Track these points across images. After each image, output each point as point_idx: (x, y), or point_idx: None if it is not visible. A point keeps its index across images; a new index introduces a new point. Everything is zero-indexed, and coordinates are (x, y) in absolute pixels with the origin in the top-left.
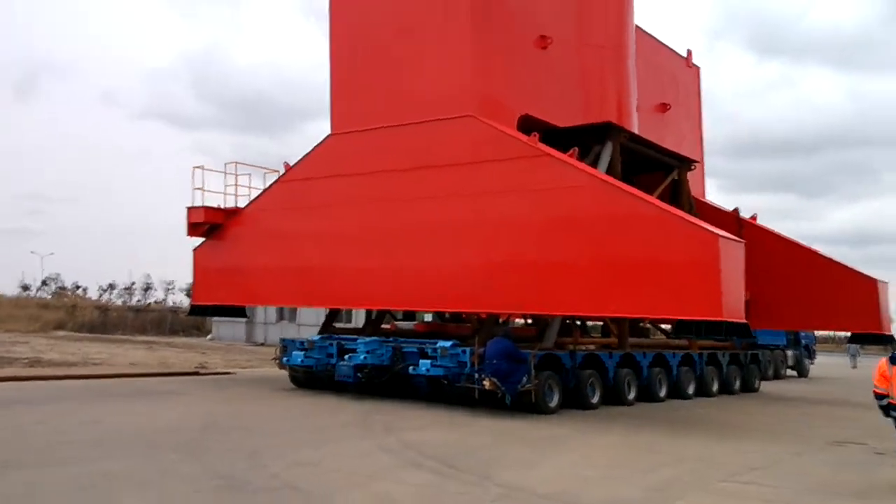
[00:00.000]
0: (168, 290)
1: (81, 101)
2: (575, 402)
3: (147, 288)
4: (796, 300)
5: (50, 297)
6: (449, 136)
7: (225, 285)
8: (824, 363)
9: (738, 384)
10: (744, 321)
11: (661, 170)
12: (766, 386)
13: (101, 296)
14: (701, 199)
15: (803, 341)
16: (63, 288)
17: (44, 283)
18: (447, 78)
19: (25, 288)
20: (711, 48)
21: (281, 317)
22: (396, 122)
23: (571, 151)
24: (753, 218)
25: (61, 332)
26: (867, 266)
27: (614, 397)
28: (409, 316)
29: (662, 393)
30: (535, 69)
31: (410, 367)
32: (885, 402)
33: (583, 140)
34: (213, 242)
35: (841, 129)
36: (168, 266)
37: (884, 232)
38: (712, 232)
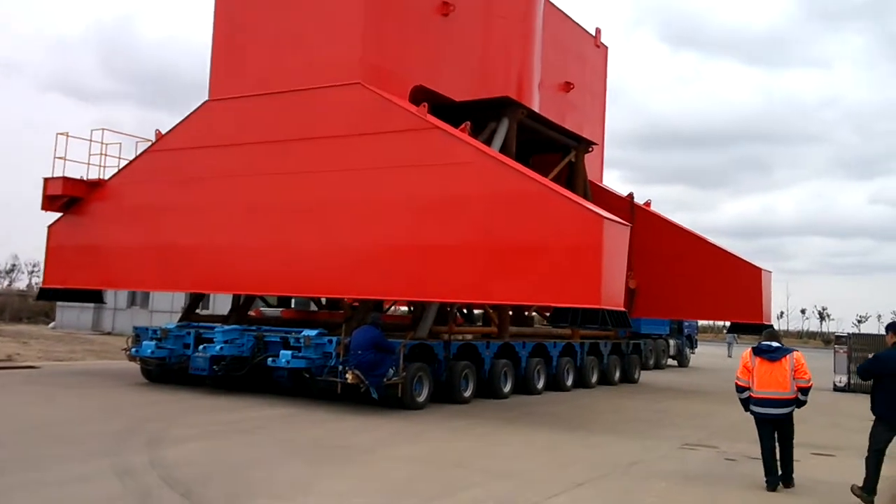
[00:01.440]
0: (32, 272)
1: None
2: (447, 395)
3: (10, 270)
4: (682, 288)
5: None
6: (332, 105)
7: (80, 266)
8: (704, 352)
9: (618, 375)
10: (622, 309)
11: (559, 151)
12: (646, 376)
13: None
14: (598, 183)
15: (686, 330)
16: None
17: None
18: (335, 42)
19: None
20: (627, 38)
21: (132, 302)
22: (278, 89)
23: (463, 126)
24: (647, 204)
25: None
26: (755, 258)
27: (490, 390)
28: (285, 303)
29: (540, 385)
30: (433, 38)
31: (270, 359)
32: (745, 395)
33: (480, 115)
34: (70, 218)
35: (745, 124)
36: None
37: (772, 225)
38: (597, 213)
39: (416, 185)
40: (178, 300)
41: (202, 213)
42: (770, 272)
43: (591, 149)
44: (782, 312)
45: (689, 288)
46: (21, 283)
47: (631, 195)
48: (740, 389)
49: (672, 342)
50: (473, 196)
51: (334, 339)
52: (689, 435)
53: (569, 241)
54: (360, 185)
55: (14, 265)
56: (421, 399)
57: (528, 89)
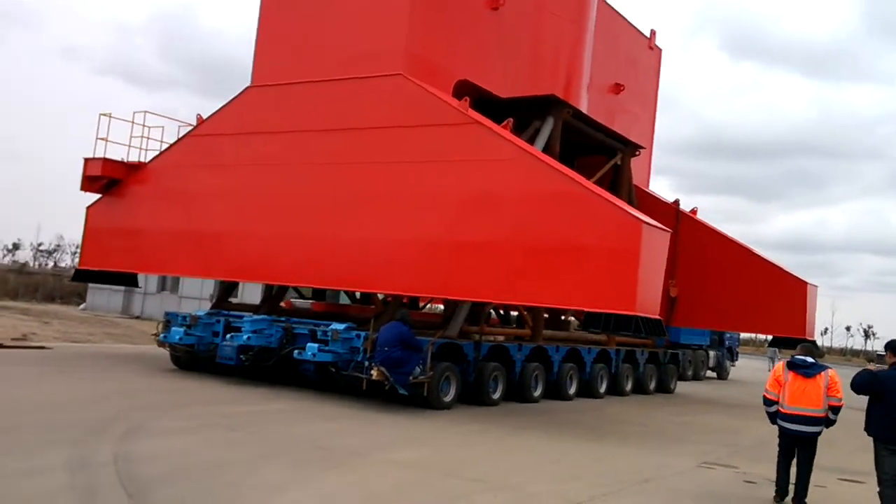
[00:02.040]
0: (75, 253)
1: (42, 54)
2: (475, 397)
3: (54, 251)
4: (725, 299)
5: None
6: (374, 95)
7: (117, 249)
8: (745, 366)
9: (653, 384)
10: (657, 317)
11: (605, 153)
12: (682, 387)
13: (3, 256)
14: (643, 188)
15: (727, 342)
16: None
17: None
18: (380, 32)
19: None
20: (687, 44)
21: (162, 287)
22: (321, 78)
23: (506, 122)
24: (693, 211)
25: None
26: (803, 272)
27: (520, 393)
28: (319, 295)
29: (572, 391)
30: (481, 32)
31: (296, 352)
32: (773, 408)
33: (525, 113)
34: (109, 199)
35: (801, 137)
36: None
37: (823, 240)
38: (636, 217)
39: (454, 181)
40: (208, 287)
41: (238, 200)
42: (816, 287)
43: (637, 152)
44: (826, 329)
45: (732, 299)
46: (65, 264)
47: (677, 202)
48: (768, 402)
49: (712, 354)
50: (511, 194)
51: (362, 334)
52: (711, 452)
53: (606, 244)
54: (397, 178)
55: (59, 245)
56: (448, 399)
57: (576, 89)
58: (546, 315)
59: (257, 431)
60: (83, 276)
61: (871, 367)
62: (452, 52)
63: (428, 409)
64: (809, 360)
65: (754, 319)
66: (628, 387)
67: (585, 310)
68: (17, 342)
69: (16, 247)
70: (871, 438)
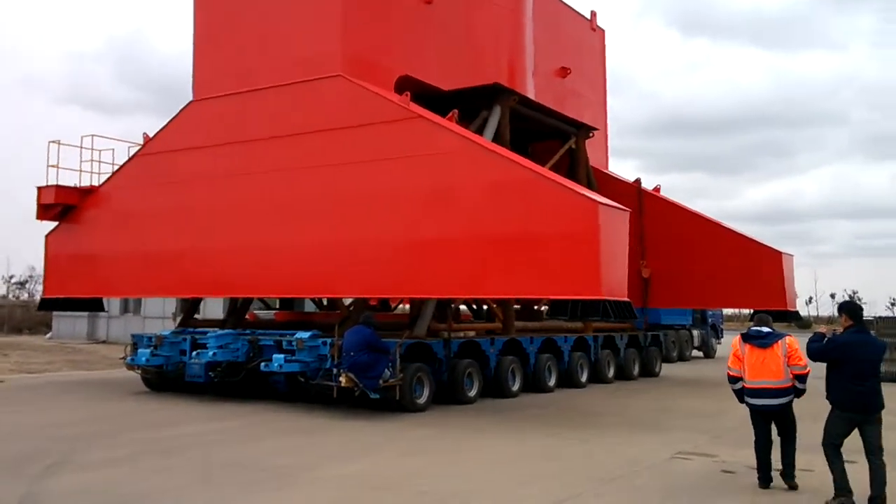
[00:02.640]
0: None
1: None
2: (451, 396)
3: (25, 282)
4: (699, 276)
5: None
6: (315, 98)
7: (77, 275)
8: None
9: (637, 369)
10: (625, 299)
11: (559, 138)
12: (668, 369)
13: None
14: (603, 169)
15: (710, 320)
16: None
17: None
18: (315, 35)
19: None
20: (634, 27)
21: (125, 309)
22: (261, 86)
23: (451, 114)
24: (656, 189)
25: None
26: (781, 243)
27: (497, 389)
28: (287, 305)
29: (552, 382)
30: (417, 26)
31: (263, 364)
32: (738, 385)
33: (470, 104)
34: (66, 226)
35: (761, 109)
36: None
37: (797, 210)
38: (591, 198)
39: (403, 178)
40: (170, 305)
41: (189, 215)
42: (791, 256)
43: (591, 134)
44: (811, 298)
45: (707, 275)
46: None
47: (638, 181)
48: (732, 380)
49: (696, 333)
50: (463, 186)
51: (328, 340)
52: (689, 440)
53: (564, 229)
54: (346, 180)
55: (31, 276)
56: (422, 401)
57: (521, 76)
58: (518, 306)
59: (196, 456)
60: (49, 305)
61: (823, 328)
62: (390, 48)
63: (402, 412)
64: (765, 329)
65: (732, 294)
66: (610, 373)
67: (550, 298)
68: None
69: None
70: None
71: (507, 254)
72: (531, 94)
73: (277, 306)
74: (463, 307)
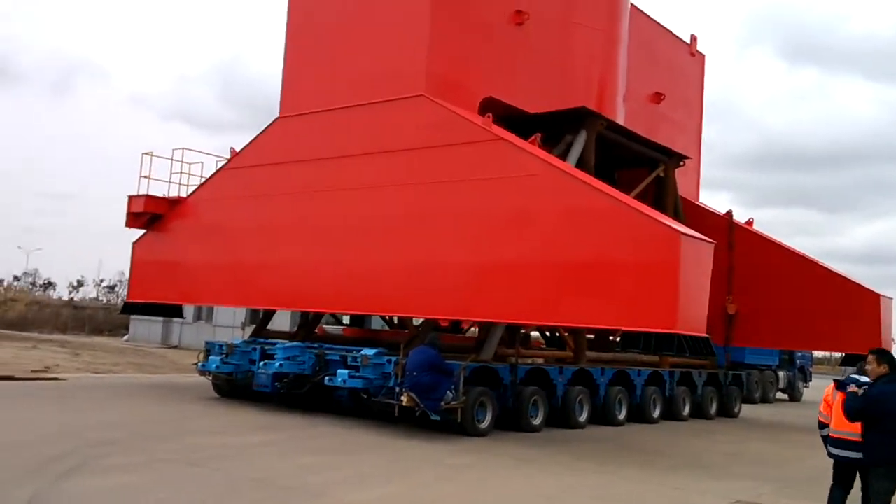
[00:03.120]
0: None
1: (112, 102)
2: (514, 422)
3: (114, 286)
4: (790, 315)
5: None
6: (397, 118)
7: (161, 281)
8: (820, 386)
9: (714, 408)
10: (704, 335)
11: (647, 165)
12: (749, 410)
13: (70, 293)
14: (693, 200)
15: (798, 362)
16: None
17: (16, 278)
18: (401, 54)
19: None
20: (740, 56)
21: (198, 317)
22: (346, 104)
23: (533, 137)
24: (749, 223)
25: None
26: (882, 286)
27: (563, 419)
28: (358, 321)
29: (622, 415)
30: (506, 48)
31: (327, 378)
32: (825, 432)
33: (556, 128)
34: (153, 234)
35: (873, 143)
36: None
37: None
38: (673, 228)
39: (482, 200)
40: (240, 315)
41: (270, 229)
42: (891, 299)
43: (682, 163)
44: None
45: (798, 315)
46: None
47: (729, 213)
48: (821, 426)
49: (782, 374)
50: (540, 210)
51: (393, 359)
52: (752, 488)
53: (642, 258)
54: (424, 199)
55: (120, 280)
56: (483, 425)
57: (611, 100)
58: (591, 336)
59: (222, 468)
60: (131, 309)
61: (853, 388)
62: (476, 69)
63: (462, 435)
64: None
65: (823, 336)
66: (685, 411)
67: (623, 329)
68: (35, 373)
69: (80, 283)
70: None
71: (580, 281)
72: (621, 119)
73: (347, 322)
74: (535, 333)
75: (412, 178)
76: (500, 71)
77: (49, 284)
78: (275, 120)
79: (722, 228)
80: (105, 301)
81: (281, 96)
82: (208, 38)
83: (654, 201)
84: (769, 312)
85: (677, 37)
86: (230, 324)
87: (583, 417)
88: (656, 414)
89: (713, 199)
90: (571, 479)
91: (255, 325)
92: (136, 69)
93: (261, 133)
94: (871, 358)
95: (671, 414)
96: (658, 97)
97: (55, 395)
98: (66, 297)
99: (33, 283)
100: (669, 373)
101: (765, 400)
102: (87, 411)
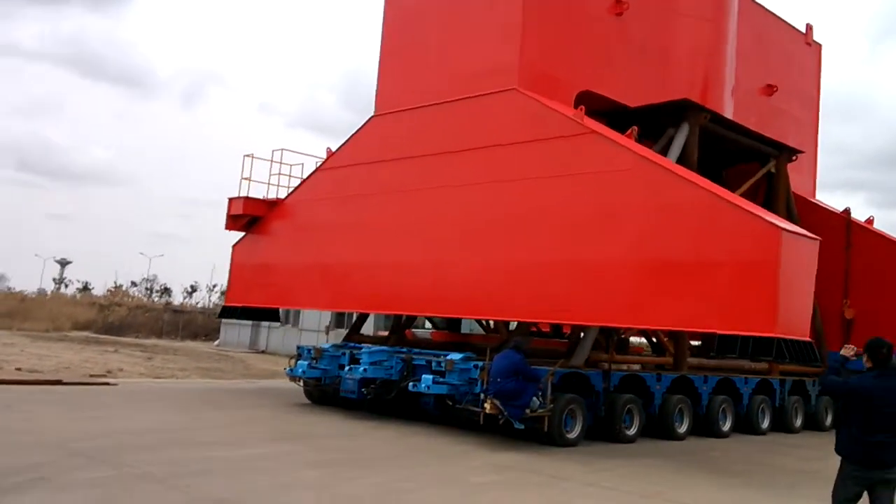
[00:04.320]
0: None
1: (239, 111)
2: (607, 432)
3: (212, 287)
4: None
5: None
6: (489, 113)
7: (258, 285)
8: None
9: (829, 419)
10: (806, 339)
11: (758, 160)
12: None
13: (184, 298)
14: (808, 197)
15: None
16: (118, 286)
17: (133, 283)
18: (494, 48)
19: (85, 287)
20: (873, 52)
21: (285, 320)
22: (439, 100)
23: (630, 131)
24: (869, 221)
25: (77, 333)
26: None
27: (661, 429)
28: (455, 324)
29: (727, 426)
30: (604, 39)
31: (411, 384)
32: None
33: (657, 121)
34: (251, 237)
35: None
36: None
37: None
38: (774, 224)
39: (572, 196)
40: (325, 318)
41: (365, 230)
42: None
43: (795, 158)
44: None
45: None
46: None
47: (847, 211)
48: None
49: None
50: (632, 206)
51: (479, 364)
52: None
53: (739, 256)
54: (514, 197)
55: (216, 284)
56: (572, 435)
57: (717, 92)
58: (696, 342)
59: (192, 484)
60: (229, 313)
61: (849, 351)
62: (572, 62)
63: (549, 444)
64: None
65: None
66: (798, 422)
67: (717, 332)
68: (94, 377)
69: (193, 289)
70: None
71: (672, 281)
72: (728, 113)
73: (443, 325)
74: (638, 339)
75: (505, 175)
76: (598, 63)
77: (165, 290)
78: (369, 119)
79: (839, 227)
80: (214, 306)
81: (376, 95)
82: (335, 48)
83: (764, 198)
84: (891, 317)
85: (791, 26)
86: (316, 327)
87: (683, 428)
88: (765, 425)
89: (846, 200)
90: (629, 498)
91: (339, 329)
92: (263, 79)
93: (355, 132)
94: (865, 355)
95: (782, 425)
96: (770, 89)
97: (84, 400)
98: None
99: (149, 289)
100: (780, 381)
101: None
102: (113, 418)
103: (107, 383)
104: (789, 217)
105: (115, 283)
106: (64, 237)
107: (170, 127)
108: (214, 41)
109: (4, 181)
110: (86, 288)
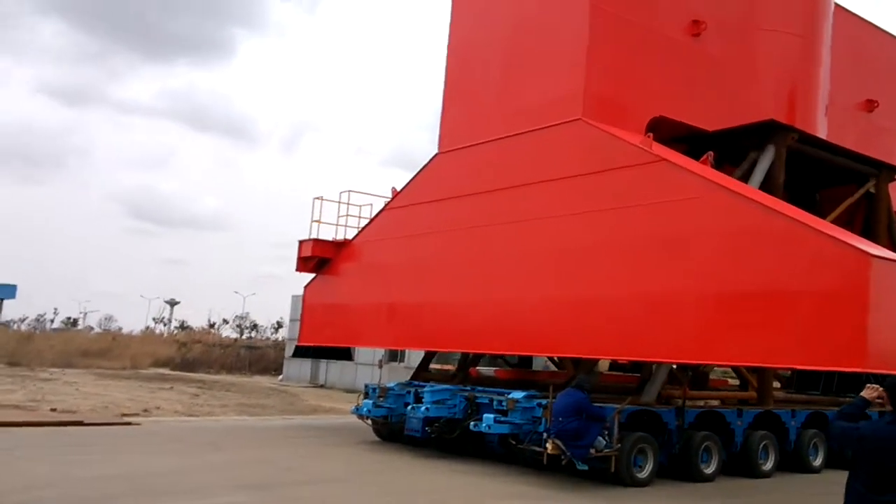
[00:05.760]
0: None
1: (334, 155)
2: (683, 471)
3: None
4: None
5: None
6: (554, 145)
7: (328, 324)
8: None
9: None
10: None
11: (855, 181)
12: None
13: (272, 334)
14: None
15: None
16: (213, 324)
17: (225, 321)
18: (559, 79)
19: (182, 326)
20: None
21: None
22: (503, 134)
23: (704, 157)
24: None
25: (152, 370)
26: None
27: (745, 467)
28: (527, 362)
29: (817, 461)
30: (679, 62)
31: (472, 423)
32: None
33: (738, 145)
34: (322, 278)
35: None
36: None
37: None
38: (863, 250)
39: (639, 227)
40: (380, 354)
41: (427, 268)
42: None
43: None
44: None
45: None
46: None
47: None
48: None
49: None
50: (703, 236)
51: (543, 402)
52: None
53: (822, 285)
54: (583, 230)
55: (280, 318)
56: (643, 475)
57: (808, 111)
58: (787, 373)
59: None
60: (302, 352)
61: (873, 392)
62: (643, 88)
63: (617, 485)
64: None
65: None
66: None
67: (797, 368)
68: (123, 417)
69: (279, 325)
70: None
71: (747, 313)
72: (821, 132)
73: (516, 362)
74: (721, 369)
75: (571, 208)
76: (672, 87)
77: (254, 326)
78: (433, 156)
79: None
80: (280, 340)
81: (439, 132)
82: (426, 88)
83: (863, 221)
84: None
85: (893, 36)
86: (371, 361)
87: (768, 465)
88: None
89: None
90: None
91: (392, 363)
92: (357, 123)
93: (420, 171)
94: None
95: None
96: (870, 104)
97: (88, 442)
98: (269, 338)
99: (239, 326)
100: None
101: None
102: (104, 462)
103: (129, 423)
104: (890, 240)
105: (208, 321)
106: (172, 279)
107: (271, 173)
108: (311, 91)
109: (121, 229)
110: (182, 326)
